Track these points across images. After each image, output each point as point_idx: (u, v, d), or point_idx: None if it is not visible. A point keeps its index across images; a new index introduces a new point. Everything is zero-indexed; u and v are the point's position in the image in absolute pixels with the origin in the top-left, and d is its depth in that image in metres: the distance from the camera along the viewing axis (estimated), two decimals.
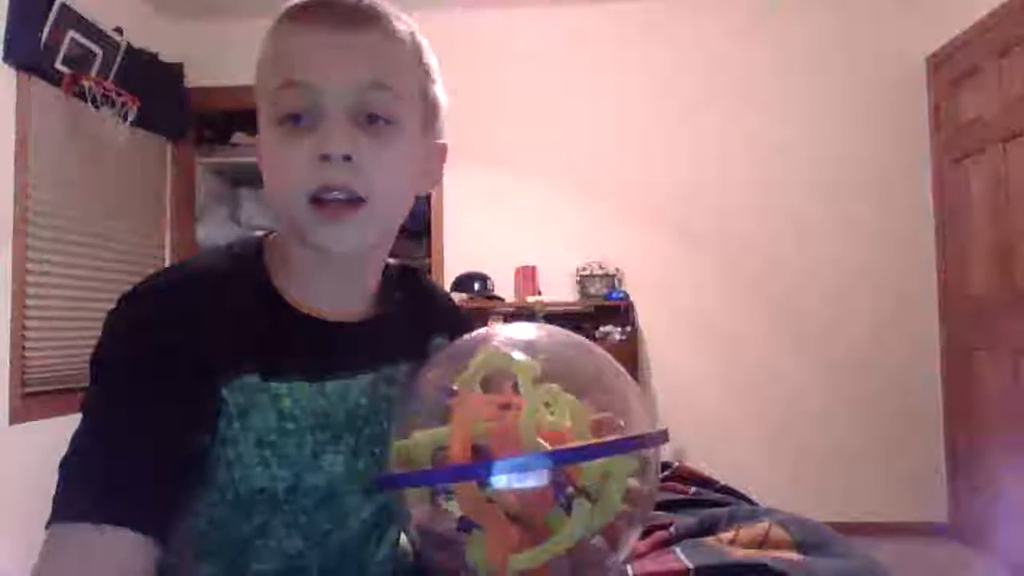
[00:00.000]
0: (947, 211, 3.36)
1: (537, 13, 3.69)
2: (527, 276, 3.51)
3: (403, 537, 0.88)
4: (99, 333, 0.66)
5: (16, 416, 2.61)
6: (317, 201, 0.65)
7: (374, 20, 0.68)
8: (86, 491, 0.57)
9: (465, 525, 0.55)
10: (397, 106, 0.68)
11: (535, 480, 0.52)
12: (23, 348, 2.66)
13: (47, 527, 0.56)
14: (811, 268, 3.51)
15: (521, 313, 3.49)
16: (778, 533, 0.99)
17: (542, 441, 0.52)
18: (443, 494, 0.57)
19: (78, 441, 0.59)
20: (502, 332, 0.65)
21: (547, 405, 0.55)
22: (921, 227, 3.46)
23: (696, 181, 3.58)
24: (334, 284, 0.73)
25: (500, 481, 0.51)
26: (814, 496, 3.33)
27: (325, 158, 0.64)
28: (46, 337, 2.77)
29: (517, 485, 0.52)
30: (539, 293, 3.49)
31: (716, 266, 3.55)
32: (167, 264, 3.59)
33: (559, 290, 3.54)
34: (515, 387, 0.56)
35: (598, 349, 0.64)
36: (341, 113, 0.65)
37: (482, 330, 0.68)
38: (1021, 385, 2.81)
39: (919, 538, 3.26)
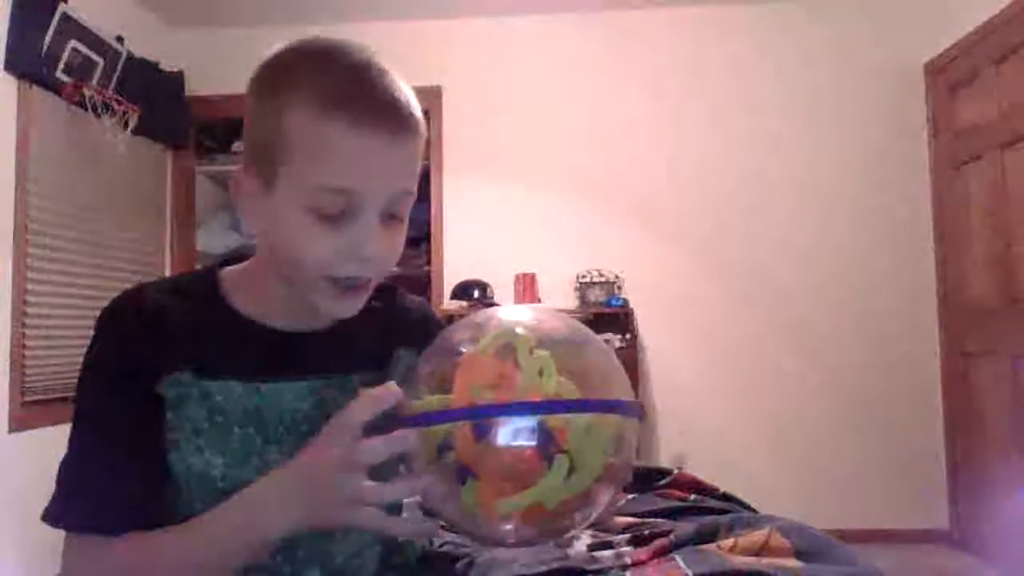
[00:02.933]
0: (946, 217, 3.36)
1: (537, 21, 3.71)
2: (527, 283, 3.51)
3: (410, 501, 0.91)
4: None
5: (16, 424, 2.61)
6: (331, 279, 0.71)
7: (417, 121, 0.71)
8: (83, 501, 0.71)
9: (462, 474, 0.61)
10: (411, 203, 0.75)
11: (526, 435, 0.59)
12: (23, 356, 2.66)
13: (44, 519, 0.71)
14: (810, 275, 3.51)
15: None
16: (778, 540, 0.99)
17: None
18: (446, 451, 0.63)
19: (70, 450, 0.73)
20: (503, 312, 0.71)
21: (540, 374, 0.61)
22: (920, 233, 3.46)
23: (695, 187, 3.58)
24: (304, 310, 0.78)
25: (491, 428, 0.58)
26: (814, 503, 3.33)
27: (359, 258, 0.70)
28: (46, 345, 2.78)
29: (509, 440, 0.59)
30: (539, 300, 3.49)
31: (715, 273, 3.56)
32: (167, 272, 3.61)
33: (558, 297, 3.54)
34: (515, 360, 0.62)
35: (585, 328, 0.70)
36: (375, 217, 0.70)
37: (488, 310, 0.73)
38: (1021, 391, 2.81)
39: (920, 545, 3.25)
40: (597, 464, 0.61)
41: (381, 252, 0.71)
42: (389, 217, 0.72)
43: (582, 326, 0.70)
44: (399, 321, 0.89)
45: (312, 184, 0.67)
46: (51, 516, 0.71)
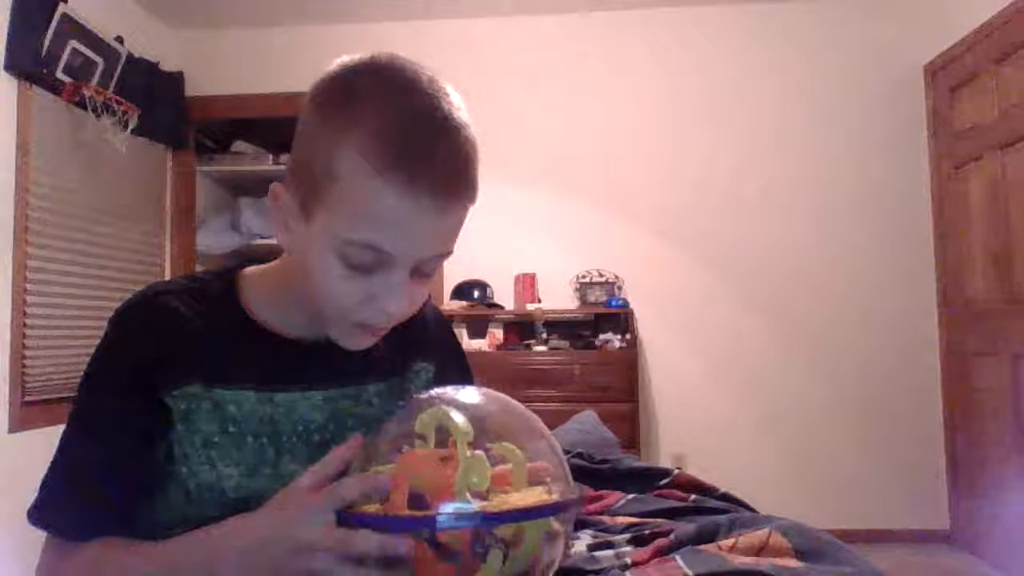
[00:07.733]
0: (946, 218, 3.36)
1: (538, 21, 3.71)
2: (527, 283, 3.51)
3: None
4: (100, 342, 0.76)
5: (16, 424, 2.61)
6: (349, 320, 0.70)
7: (475, 188, 0.69)
8: (61, 504, 0.71)
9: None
10: (444, 261, 0.71)
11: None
12: (23, 356, 2.66)
13: (28, 518, 0.71)
14: (811, 275, 3.51)
15: (521, 320, 3.50)
16: (778, 540, 0.98)
17: (469, 496, 0.60)
18: None
19: (60, 450, 0.72)
20: (453, 394, 0.69)
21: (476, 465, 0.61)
22: (920, 233, 3.46)
23: (696, 188, 3.58)
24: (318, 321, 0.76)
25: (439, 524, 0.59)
26: (814, 503, 3.33)
27: (381, 312, 0.68)
28: (46, 345, 2.78)
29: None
30: (539, 300, 3.49)
31: (716, 273, 3.56)
32: (167, 272, 3.60)
33: (559, 297, 3.54)
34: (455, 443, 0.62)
35: (527, 412, 0.68)
36: (405, 275, 0.67)
37: (446, 388, 0.71)
38: (1021, 390, 2.81)
39: (920, 545, 3.25)
40: (531, 548, 0.61)
41: (404, 308, 0.69)
42: (419, 273, 0.69)
43: (522, 412, 0.68)
44: (417, 332, 0.86)
45: (346, 237, 0.63)
46: (32, 515, 0.71)
